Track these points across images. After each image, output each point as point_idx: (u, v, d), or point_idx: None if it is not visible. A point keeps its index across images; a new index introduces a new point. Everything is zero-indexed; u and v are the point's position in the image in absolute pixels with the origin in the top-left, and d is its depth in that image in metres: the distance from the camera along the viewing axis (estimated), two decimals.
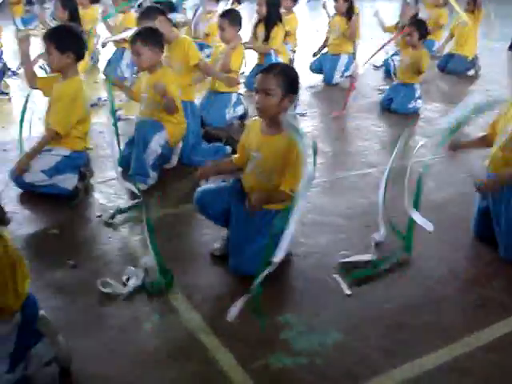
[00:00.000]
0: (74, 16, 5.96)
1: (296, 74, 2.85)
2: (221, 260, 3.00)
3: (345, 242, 3.27)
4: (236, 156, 3.11)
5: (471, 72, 7.67)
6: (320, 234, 3.34)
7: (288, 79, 2.74)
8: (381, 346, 2.46)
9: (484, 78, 7.63)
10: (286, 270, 2.99)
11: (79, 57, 3.56)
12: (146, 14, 4.33)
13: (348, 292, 2.79)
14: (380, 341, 2.49)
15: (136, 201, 3.48)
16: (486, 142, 3.29)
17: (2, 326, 1.97)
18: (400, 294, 2.82)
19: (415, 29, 5.73)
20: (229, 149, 4.33)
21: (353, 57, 6.90)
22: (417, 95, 5.80)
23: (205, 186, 3.07)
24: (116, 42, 6.63)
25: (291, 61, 7.36)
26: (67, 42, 3.49)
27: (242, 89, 5.53)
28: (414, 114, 5.77)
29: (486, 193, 3.16)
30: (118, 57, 6.73)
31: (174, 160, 4.05)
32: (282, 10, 7.53)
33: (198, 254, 3.11)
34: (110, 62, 6.84)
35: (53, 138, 3.54)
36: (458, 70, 7.43)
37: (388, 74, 7.09)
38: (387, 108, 5.84)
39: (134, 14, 6.61)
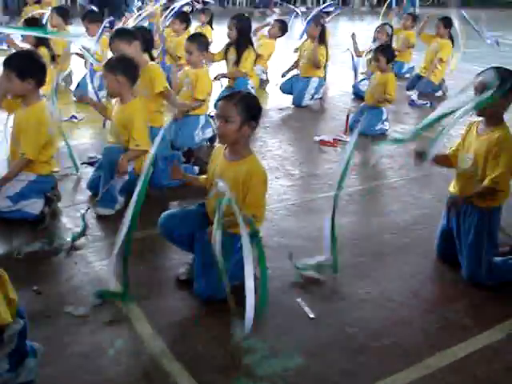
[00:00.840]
0: (44, 39, 5.95)
1: (256, 101, 2.90)
2: (186, 284, 3.01)
3: None
4: (204, 177, 3.14)
5: (439, 93, 7.82)
6: (284, 257, 3.36)
7: (248, 107, 2.79)
8: (343, 369, 2.48)
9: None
10: None
11: (40, 83, 3.54)
12: (120, 36, 4.32)
13: (312, 315, 2.82)
14: (342, 364, 2.52)
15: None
16: (449, 161, 3.34)
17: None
18: (362, 316, 2.86)
19: (382, 54, 5.85)
20: (196, 169, 4.37)
21: (323, 80, 6.98)
22: (384, 117, 5.89)
23: (170, 210, 3.10)
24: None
25: (263, 81, 7.46)
26: (28, 69, 3.47)
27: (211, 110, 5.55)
28: (382, 136, 5.86)
29: (451, 215, 3.21)
30: (89, 79, 6.70)
31: None
32: (265, 35, 7.69)
33: (164, 279, 3.12)
34: (79, 84, 6.82)
35: (26, 165, 3.54)
36: (424, 91, 7.57)
37: (357, 96, 7.22)
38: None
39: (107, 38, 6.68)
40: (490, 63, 9.93)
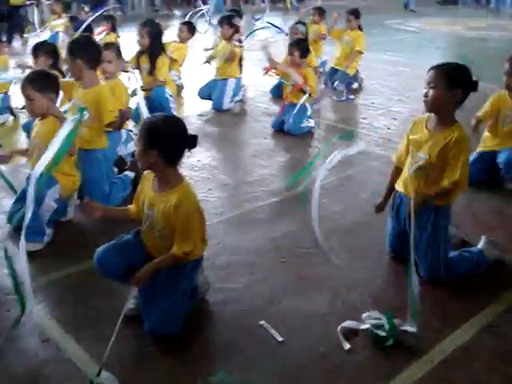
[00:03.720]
0: None
1: (170, 129, 2.58)
2: (135, 321, 2.74)
3: (264, 282, 3.13)
4: (132, 206, 2.87)
5: (355, 85, 7.85)
6: (237, 277, 3.17)
7: (151, 133, 2.54)
8: None
9: (368, 90, 7.84)
10: (209, 322, 2.80)
11: None
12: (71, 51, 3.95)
13: (280, 339, 2.63)
14: None
15: None
16: (399, 172, 3.24)
17: None
18: (331, 334, 2.69)
19: (296, 48, 5.74)
20: (131, 174, 4.17)
21: (240, 80, 6.82)
22: (308, 114, 5.79)
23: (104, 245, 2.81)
24: None
25: (179, 87, 7.21)
26: None
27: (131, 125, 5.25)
28: (308, 134, 5.76)
29: (406, 214, 3.12)
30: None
31: (70, 213, 3.73)
32: (176, 40, 7.44)
33: (110, 318, 2.83)
34: None
35: None
36: (343, 84, 7.56)
37: (274, 96, 7.13)
38: (280, 130, 5.79)
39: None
40: (394, 50, 10.29)
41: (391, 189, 3.29)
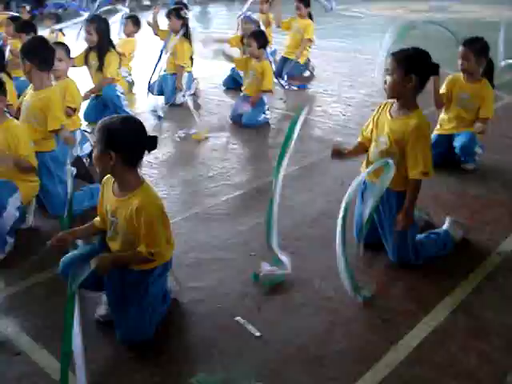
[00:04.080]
0: None
1: (128, 130, 2.50)
2: (109, 327, 2.67)
3: (235, 277, 3.10)
4: (97, 219, 2.77)
5: (307, 73, 7.86)
6: (208, 274, 3.13)
7: (107, 139, 2.45)
8: None
9: (319, 78, 7.86)
10: (183, 322, 2.76)
11: None
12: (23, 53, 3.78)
13: (257, 334, 2.61)
14: (304, 380, 2.35)
15: None
16: (362, 148, 3.26)
17: None
18: (307, 324, 2.70)
19: (253, 39, 5.69)
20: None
21: (191, 74, 6.74)
22: (266, 107, 5.78)
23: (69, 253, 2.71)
24: None
25: (130, 84, 7.06)
26: None
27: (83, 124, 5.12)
28: (266, 125, 5.75)
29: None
30: None
31: (29, 220, 3.61)
32: (123, 36, 7.29)
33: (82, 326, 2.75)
34: None
35: None
36: (294, 74, 7.55)
37: (227, 87, 7.10)
38: (238, 122, 5.75)
39: None
40: (342, 36, 10.34)
41: (349, 153, 3.29)
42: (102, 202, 2.69)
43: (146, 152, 2.56)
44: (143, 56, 7.76)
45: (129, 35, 7.35)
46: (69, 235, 2.70)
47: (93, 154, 2.54)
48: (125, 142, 2.47)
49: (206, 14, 16.75)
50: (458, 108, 4.47)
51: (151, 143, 2.55)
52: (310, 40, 7.70)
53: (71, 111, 4.49)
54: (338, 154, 3.26)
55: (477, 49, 4.32)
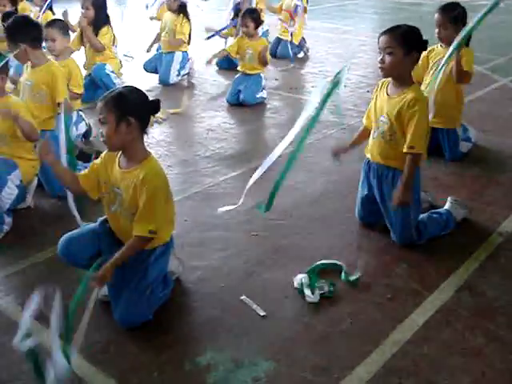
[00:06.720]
0: None
1: (135, 93, 2.47)
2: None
3: (239, 257, 3.08)
4: (81, 174, 2.66)
5: (301, 54, 7.81)
6: (210, 253, 3.11)
7: (123, 106, 2.40)
8: (315, 364, 2.31)
9: (314, 59, 7.81)
10: (188, 301, 2.74)
11: None
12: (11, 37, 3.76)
13: (262, 313, 2.60)
14: (310, 359, 2.35)
15: None
16: (367, 132, 3.24)
17: None
18: (311, 303, 2.68)
19: (249, 18, 5.64)
20: None
21: (187, 53, 6.66)
22: (263, 85, 5.74)
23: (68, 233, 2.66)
24: None
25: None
26: None
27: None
28: (262, 105, 5.71)
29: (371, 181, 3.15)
30: None
31: (29, 199, 3.55)
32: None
33: (83, 305, 2.71)
34: None
35: None
36: (288, 55, 7.48)
37: (222, 67, 7.04)
38: (234, 104, 5.70)
39: None
40: (334, 18, 10.28)
41: (353, 143, 3.31)
42: (101, 174, 2.61)
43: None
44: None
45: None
46: (53, 156, 2.62)
47: (104, 132, 2.42)
48: (140, 103, 2.47)
49: None
50: (430, 70, 4.22)
51: (155, 106, 2.53)
52: (305, 9, 7.67)
53: (76, 95, 4.45)
54: (340, 152, 3.28)
55: (454, 16, 4.08)
